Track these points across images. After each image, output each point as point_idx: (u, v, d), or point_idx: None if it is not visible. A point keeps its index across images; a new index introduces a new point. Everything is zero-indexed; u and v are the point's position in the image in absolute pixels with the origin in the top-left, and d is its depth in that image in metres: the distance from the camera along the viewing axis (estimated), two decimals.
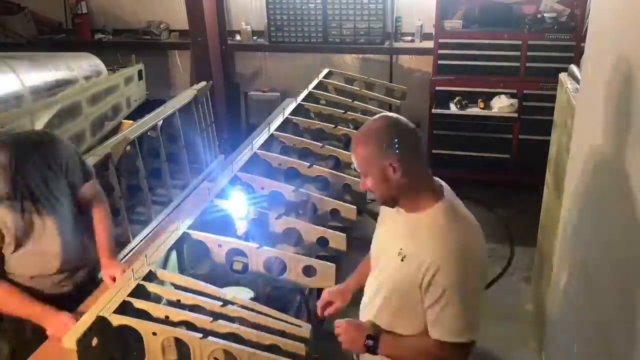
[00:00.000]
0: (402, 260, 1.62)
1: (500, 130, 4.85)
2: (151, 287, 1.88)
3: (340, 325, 1.74)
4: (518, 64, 4.68)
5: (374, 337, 1.68)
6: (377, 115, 1.68)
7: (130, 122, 4.61)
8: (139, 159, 4.04)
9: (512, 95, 4.76)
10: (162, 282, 1.97)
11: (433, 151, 5.04)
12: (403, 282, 1.63)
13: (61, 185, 2.15)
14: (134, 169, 4.07)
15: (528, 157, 4.76)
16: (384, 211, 1.82)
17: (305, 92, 3.69)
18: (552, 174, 3.25)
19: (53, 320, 1.98)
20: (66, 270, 2.19)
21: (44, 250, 2.10)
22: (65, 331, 1.69)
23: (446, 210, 1.61)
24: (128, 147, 3.88)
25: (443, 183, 1.71)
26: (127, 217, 3.88)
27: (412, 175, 1.59)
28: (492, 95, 4.82)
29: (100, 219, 2.31)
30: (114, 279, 2.15)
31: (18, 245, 2.05)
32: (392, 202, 1.68)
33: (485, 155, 4.93)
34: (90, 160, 3.52)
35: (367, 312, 1.82)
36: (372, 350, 1.68)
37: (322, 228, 2.32)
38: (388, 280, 1.70)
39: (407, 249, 1.61)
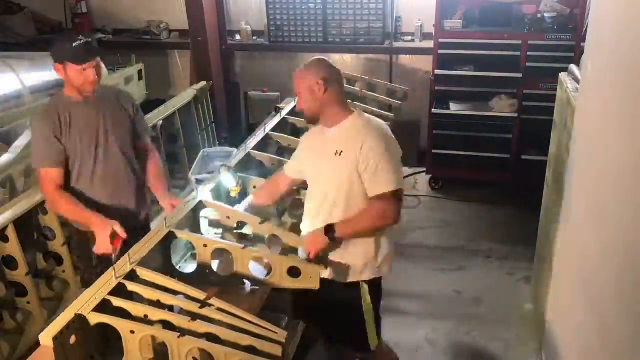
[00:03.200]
0: (340, 155, 2.15)
1: (500, 130, 4.84)
2: (132, 286, 1.88)
3: (304, 241, 2.22)
4: (518, 64, 4.68)
5: (329, 225, 2.17)
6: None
7: None
8: None
9: (512, 95, 4.75)
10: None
11: (433, 151, 5.04)
12: (345, 172, 2.14)
13: (127, 125, 2.63)
14: None
15: (528, 157, 4.77)
16: (307, 144, 2.39)
17: None
18: (552, 173, 3.25)
19: (99, 225, 2.32)
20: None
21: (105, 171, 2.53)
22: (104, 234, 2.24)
23: (360, 116, 2.24)
24: None
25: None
26: None
27: (332, 96, 2.18)
28: (492, 95, 4.82)
29: (155, 163, 2.75)
30: (173, 206, 2.52)
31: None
32: (316, 117, 2.23)
33: (485, 155, 4.92)
34: None
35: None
36: (332, 234, 2.15)
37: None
38: (332, 181, 2.19)
39: (341, 147, 2.16)
